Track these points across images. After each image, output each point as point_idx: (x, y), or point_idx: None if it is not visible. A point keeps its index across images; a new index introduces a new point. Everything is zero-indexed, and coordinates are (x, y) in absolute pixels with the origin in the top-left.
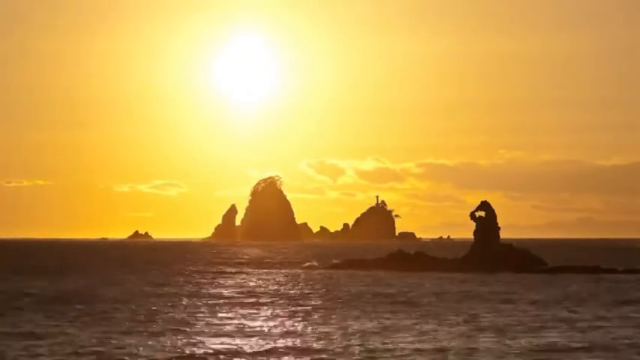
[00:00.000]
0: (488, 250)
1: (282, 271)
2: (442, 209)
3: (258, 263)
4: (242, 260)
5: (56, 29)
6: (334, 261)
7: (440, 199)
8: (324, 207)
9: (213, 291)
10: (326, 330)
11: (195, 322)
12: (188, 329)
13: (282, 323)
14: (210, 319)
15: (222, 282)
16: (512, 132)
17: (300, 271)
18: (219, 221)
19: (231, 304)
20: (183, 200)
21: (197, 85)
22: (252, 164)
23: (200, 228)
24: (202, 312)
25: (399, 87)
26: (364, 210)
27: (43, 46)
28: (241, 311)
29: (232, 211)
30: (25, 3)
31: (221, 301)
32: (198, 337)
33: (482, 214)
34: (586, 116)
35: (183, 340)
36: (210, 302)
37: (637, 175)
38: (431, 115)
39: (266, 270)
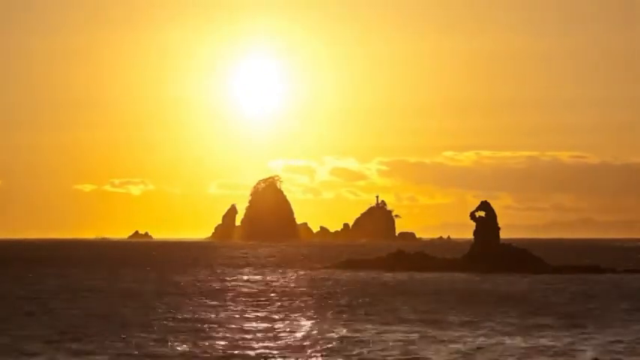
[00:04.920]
0: (488, 250)
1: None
2: (411, 208)
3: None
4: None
5: (32, 28)
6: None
7: (407, 199)
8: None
9: None
10: None
11: None
12: None
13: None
14: None
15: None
16: (484, 132)
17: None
18: (219, 221)
19: None
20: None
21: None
22: (222, 164)
23: (197, 227)
24: None
25: (375, 88)
26: (363, 210)
27: (10, 45)
28: None
29: (232, 211)
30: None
31: None
32: None
33: (482, 214)
34: (556, 117)
35: None
36: None
37: (610, 174)
38: (403, 115)
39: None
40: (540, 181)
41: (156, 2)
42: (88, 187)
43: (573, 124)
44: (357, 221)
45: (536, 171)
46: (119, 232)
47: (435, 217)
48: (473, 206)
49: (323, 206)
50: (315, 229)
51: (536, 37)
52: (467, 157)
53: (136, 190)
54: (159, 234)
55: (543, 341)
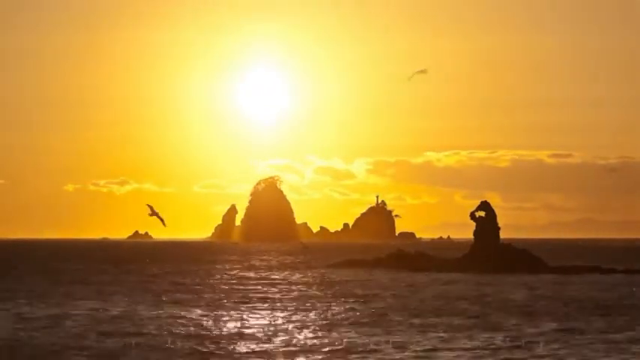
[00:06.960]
0: (488, 250)
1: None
2: (400, 208)
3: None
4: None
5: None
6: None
7: (394, 198)
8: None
9: None
10: None
11: None
12: None
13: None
14: None
15: None
16: (469, 132)
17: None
18: (219, 221)
19: None
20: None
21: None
22: (205, 164)
23: (193, 227)
24: None
25: (359, 88)
26: (364, 210)
27: (10, 46)
28: None
29: (232, 211)
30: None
31: None
32: None
33: (482, 214)
34: (542, 116)
35: None
36: None
37: (598, 174)
38: (390, 115)
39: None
40: (526, 180)
41: (155, 2)
42: (71, 187)
43: (557, 124)
44: (357, 221)
45: (521, 170)
46: (114, 232)
47: (433, 217)
48: (462, 206)
49: (310, 206)
50: (315, 229)
51: (525, 37)
52: (449, 157)
53: (121, 190)
54: (157, 234)
55: None
